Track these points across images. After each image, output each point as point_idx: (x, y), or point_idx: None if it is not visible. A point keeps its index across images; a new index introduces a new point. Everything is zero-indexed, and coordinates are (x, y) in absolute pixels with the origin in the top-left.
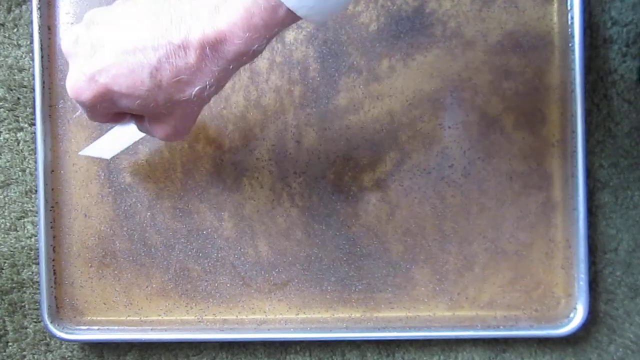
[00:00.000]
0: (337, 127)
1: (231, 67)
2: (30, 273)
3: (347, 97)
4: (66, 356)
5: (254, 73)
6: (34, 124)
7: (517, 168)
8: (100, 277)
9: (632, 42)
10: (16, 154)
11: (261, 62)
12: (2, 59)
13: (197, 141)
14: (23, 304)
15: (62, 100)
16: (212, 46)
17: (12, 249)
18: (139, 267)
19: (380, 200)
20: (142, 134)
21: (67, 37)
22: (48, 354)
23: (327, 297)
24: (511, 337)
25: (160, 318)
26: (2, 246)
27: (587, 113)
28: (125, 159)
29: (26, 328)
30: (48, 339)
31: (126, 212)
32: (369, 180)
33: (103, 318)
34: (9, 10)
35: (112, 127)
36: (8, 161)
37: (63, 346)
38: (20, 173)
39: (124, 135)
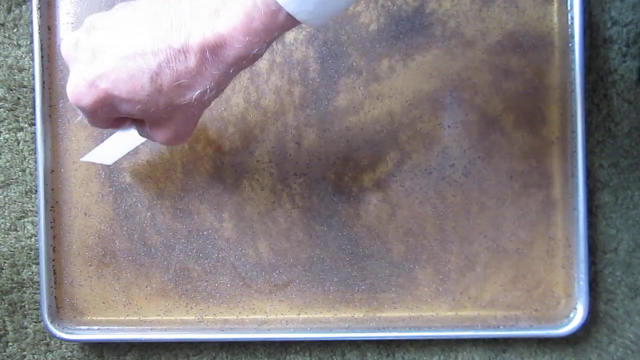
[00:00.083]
0: (337, 127)
1: (231, 70)
2: (30, 273)
3: (347, 97)
4: (66, 356)
5: (254, 74)
6: (34, 124)
7: (517, 167)
8: (100, 276)
9: (632, 42)
10: (16, 154)
11: (261, 63)
12: (2, 59)
13: (198, 142)
14: (23, 304)
15: (62, 100)
16: (212, 50)
17: (12, 249)
18: (138, 267)
19: (381, 201)
20: (143, 139)
21: (67, 42)
22: (48, 354)
23: (330, 297)
24: (511, 337)
25: (159, 318)
26: (2, 246)
27: (587, 113)
28: (126, 159)
29: (26, 328)
30: (48, 339)
31: (126, 212)
32: (369, 181)
33: (103, 318)
34: (9, 10)
35: (112, 132)
36: (8, 161)
37: (63, 346)
38: (20, 173)
39: (125, 141)
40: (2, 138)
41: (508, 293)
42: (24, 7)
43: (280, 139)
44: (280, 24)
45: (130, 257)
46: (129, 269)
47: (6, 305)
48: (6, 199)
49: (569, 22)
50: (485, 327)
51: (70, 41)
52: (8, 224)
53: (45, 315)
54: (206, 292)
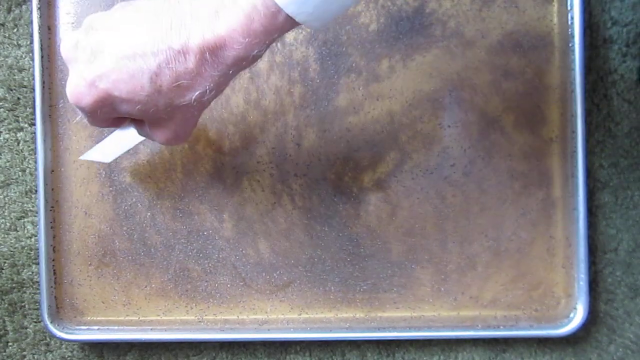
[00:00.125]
0: (337, 128)
1: (231, 71)
2: (30, 273)
3: (347, 98)
4: (66, 356)
5: (254, 74)
6: (34, 124)
7: (517, 167)
8: (100, 275)
9: (632, 42)
10: (16, 154)
11: (261, 63)
12: (2, 59)
13: (198, 142)
14: (23, 304)
15: (62, 100)
16: (211, 51)
17: (12, 249)
18: (138, 267)
19: (382, 201)
20: (142, 138)
21: (66, 42)
22: (48, 354)
23: (331, 297)
24: (511, 337)
25: (158, 318)
26: (2, 246)
27: (587, 113)
28: (126, 159)
29: (26, 328)
30: (48, 339)
31: (126, 212)
32: (369, 181)
33: (103, 318)
34: (9, 10)
35: (112, 131)
36: (8, 161)
37: (63, 346)
38: (20, 173)
39: (124, 139)
40: (2, 138)
41: (508, 293)
42: (24, 7)
43: (280, 139)
44: (280, 26)
45: (130, 257)
46: (129, 269)
47: (6, 305)
48: (6, 199)
49: (569, 22)
50: (485, 327)
51: (69, 42)
52: (8, 224)
53: (45, 315)
54: (206, 292)
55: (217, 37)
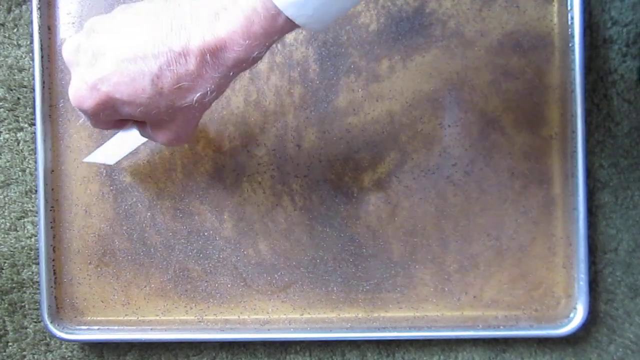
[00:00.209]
0: (337, 128)
1: (231, 73)
2: (30, 273)
3: (347, 98)
4: (66, 356)
5: (254, 75)
6: (34, 124)
7: (517, 167)
8: (99, 275)
9: (632, 42)
10: (16, 154)
11: (261, 64)
12: (2, 59)
13: (198, 142)
14: (23, 304)
15: (62, 100)
16: (212, 53)
17: (12, 249)
18: (138, 267)
19: (383, 201)
20: (145, 139)
21: (68, 45)
22: (48, 354)
23: (333, 297)
24: (511, 337)
25: (158, 318)
26: (2, 246)
27: (587, 113)
28: (126, 159)
29: (26, 328)
30: (48, 339)
31: (126, 212)
32: (370, 182)
33: (103, 318)
34: (9, 10)
35: (114, 133)
36: (8, 161)
37: (63, 346)
38: (20, 173)
39: (127, 141)
40: (2, 138)
41: (509, 292)
42: (24, 7)
43: (280, 140)
44: (280, 28)
45: (130, 257)
46: (129, 269)
47: (6, 305)
48: (6, 199)
49: (569, 22)
50: (485, 327)
51: (71, 45)
52: (8, 224)
53: (45, 315)
54: (206, 293)
55: (217, 39)
